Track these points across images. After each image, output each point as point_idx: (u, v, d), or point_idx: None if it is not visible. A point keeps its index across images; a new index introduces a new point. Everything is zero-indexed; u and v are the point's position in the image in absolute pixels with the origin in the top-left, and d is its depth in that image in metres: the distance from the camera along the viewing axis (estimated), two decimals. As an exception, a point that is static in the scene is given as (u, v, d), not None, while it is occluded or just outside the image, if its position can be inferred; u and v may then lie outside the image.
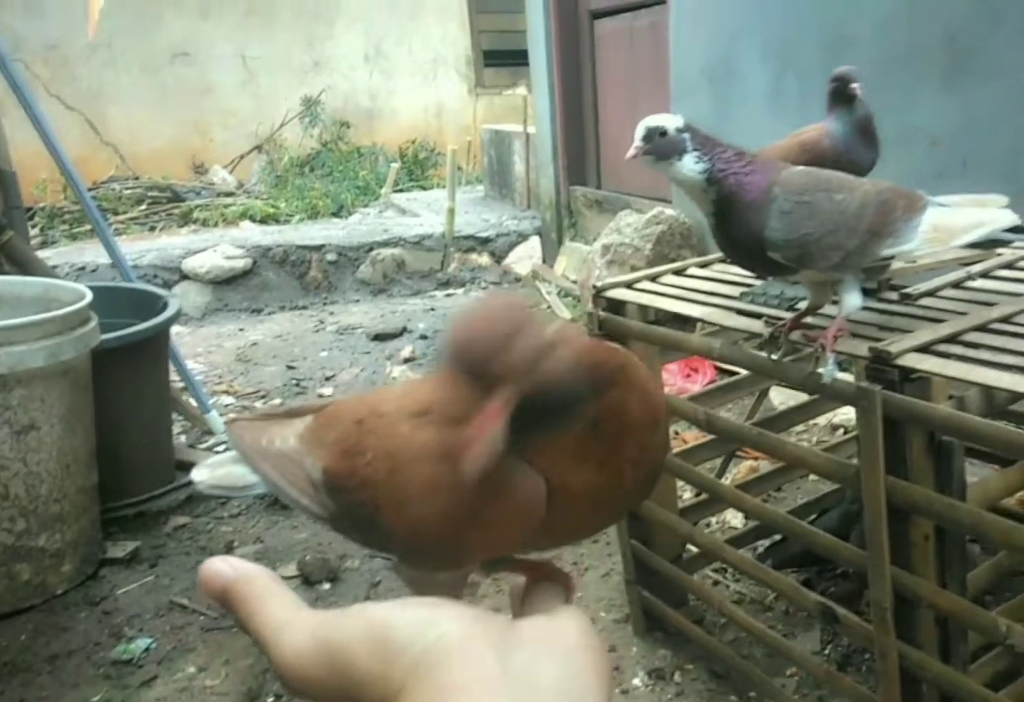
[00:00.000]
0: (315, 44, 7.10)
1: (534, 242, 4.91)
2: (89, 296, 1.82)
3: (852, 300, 1.12)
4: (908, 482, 1.10)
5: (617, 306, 1.56)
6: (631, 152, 1.01)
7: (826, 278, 1.15)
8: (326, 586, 1.93)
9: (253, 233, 4.89)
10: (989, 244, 1.25)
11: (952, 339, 1.14)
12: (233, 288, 4.29)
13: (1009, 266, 1.43)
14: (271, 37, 6.86)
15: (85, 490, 1.88)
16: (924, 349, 1.11)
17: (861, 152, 1.54)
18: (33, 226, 5.16)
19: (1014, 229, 1.24)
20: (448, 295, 4.44)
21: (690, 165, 0.99)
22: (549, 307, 4.06)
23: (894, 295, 1.36)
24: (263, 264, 4.34)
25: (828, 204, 1.05)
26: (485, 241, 4.74)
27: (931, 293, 1.35)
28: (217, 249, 4.35)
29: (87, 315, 1.81)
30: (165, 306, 2.19)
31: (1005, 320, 1.18)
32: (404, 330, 3.78)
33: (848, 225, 1.06)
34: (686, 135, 0.99)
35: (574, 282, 4.20)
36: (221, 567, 0.40)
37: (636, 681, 1.59)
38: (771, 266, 1.09)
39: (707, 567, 1.83)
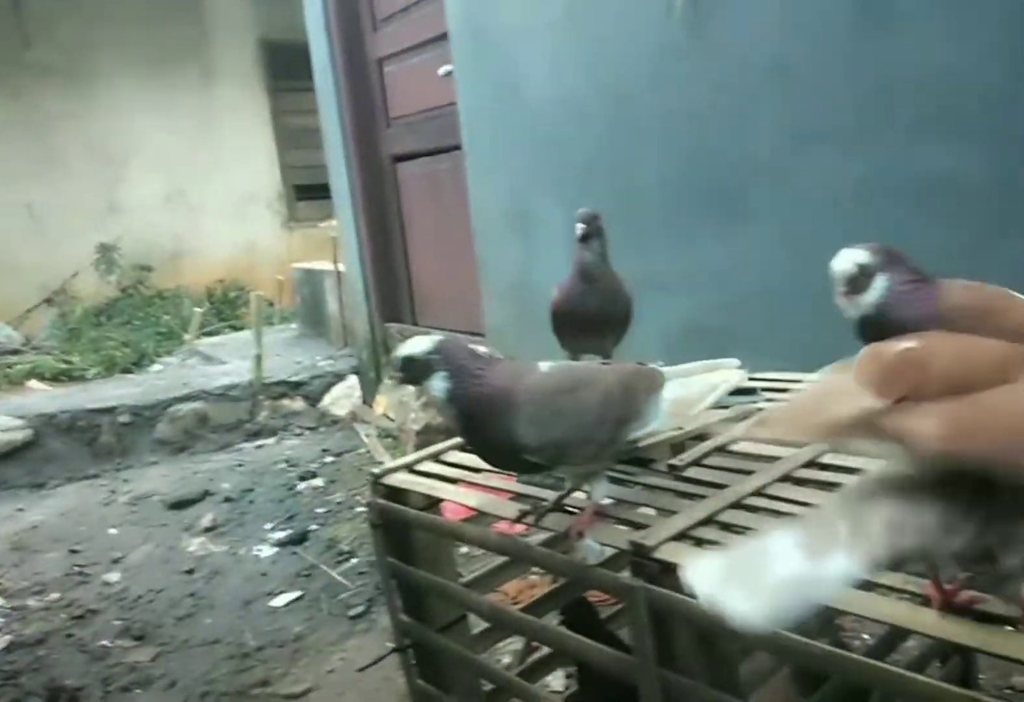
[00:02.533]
0: (109, 188, 6.91)
1: (352, 382, 4.80)
2: None
3: (600, 490, 1.16)
4: (680, 676, 1.06)
5: (399, 492, 1.50)
6: (391, 380, 1.10)
7: (583, 470, 1.17)
8: None
9: (35, 399, 4.50)
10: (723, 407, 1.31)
11: (708, 521, 1.14)
12: (11, 463, 3.88)
13: (769, 423, 1.47)
14: (60, 183, 6.62)
15: None
16: (681, 536, 1.10)
17: (583, 300, 1.57)
18: None
19: (746, 390, 1.31)
20: (258, 446, 4.22)
21: (438, 385, 1.05)
22: (367, 450, 3.93)
23: (663, 466, 1.36)
24: (47, 433, 3.97)
25: (573, 404, 1.08)
26: (298, 385, 4.60)
27: (697, 462, 1.35)
28: (-7, 420, 3.96)
29: None
30: None
31: (758, 493, 1.19)
32: (206, 494, 3.52)
33: (595, 420, 1.09)
34: (436, 357, 1.05)
35: (392, 421, 4.11)
36: None
37: None
38: (528, 466, 1.12)
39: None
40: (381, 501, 1.48)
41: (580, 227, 1.61)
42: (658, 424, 1.17)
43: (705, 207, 2.55)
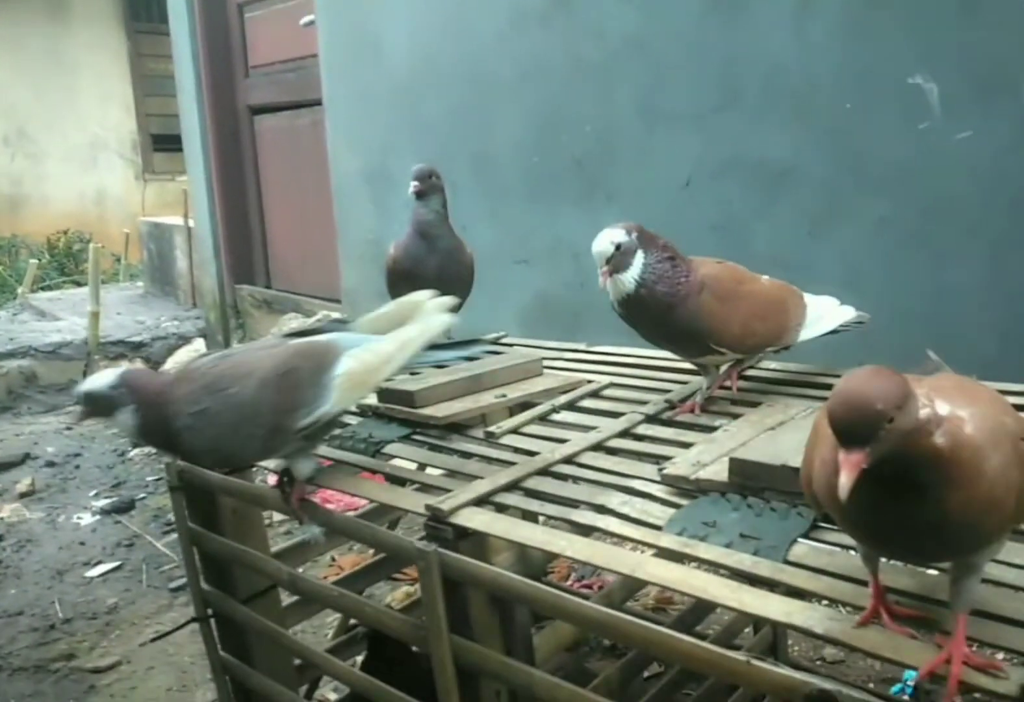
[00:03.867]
0: (-61, 125, 6.31)
1: (198, 345, 4.58)
2: None
3: (302, 469, 1.14)
4: (472, 642, 1.04)
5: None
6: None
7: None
8: None
9: None
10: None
11: (512, 487, 1.11)
12: None
13: (594, 394, 1.46)
14: None
15: None
16: (481, 501, 1.07)
17: (421, 258, 1.53)
18: None
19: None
20: (90, 410, 3.95)
21: (124, 420, 1.03)
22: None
23: (480, 433, 1.33)
24: None
25: (223, 403, 1.03)
26: (138, 346, 4.34)
27: (515, 430, 1.33)
28: None
29: None
30: None
31: (568, 460, 1.18)
32: (26, 457, 3.28)
33: (250, 416, 1.04)
34: (121, 390, 1.02)
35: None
36: None
37: None
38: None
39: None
40: (181, 463, 1.38)
41: (413, 184, 1.55)
42: (329, 405, 1.06)
43: (565, 181, 2.53)
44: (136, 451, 3.37)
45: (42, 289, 5.48)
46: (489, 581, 0.99)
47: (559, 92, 2.48)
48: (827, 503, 0.70)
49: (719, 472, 1.03)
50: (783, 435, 1.10)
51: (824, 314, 1.30)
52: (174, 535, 2.63)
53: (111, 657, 2.02)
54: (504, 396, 1.42)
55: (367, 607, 1.17)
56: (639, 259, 1.15)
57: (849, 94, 1.89)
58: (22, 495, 2.96)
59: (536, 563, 1.15)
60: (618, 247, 1.14)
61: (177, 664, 1.98)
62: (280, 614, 1.51)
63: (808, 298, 1.30)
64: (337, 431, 1.36)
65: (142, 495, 2.94)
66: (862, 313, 1.34)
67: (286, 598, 1.52)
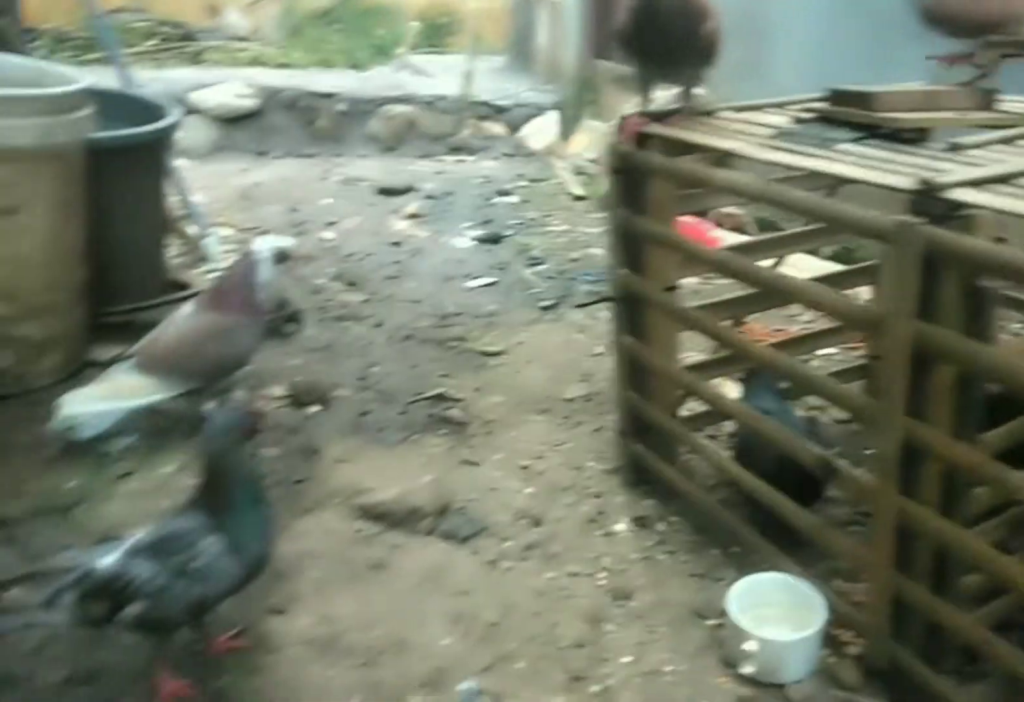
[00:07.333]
0: None
1: (552, 116, 4.71)
2: (86, 81, 1.70)
3: None
4: (937, 327, 1.04)
5: (642, 140, 1.48)
6: None
7: None
8: (314, 409, 1.92)
9: (263, 75, 4.68)
10: None
11: (1004, 179, 1.07)
12: (239, 127, 4.15)
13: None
14: None
15: (73, 285, 1.82)
16: (975, 185, 1.04)
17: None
18: (36, 48, 4.88)
19: None
20: (459, 161, 4.28)
21: None
22: (561, 182, 3.92)
23: (942, 144, 1.28)
24: (271, 106, 4.18)
25: None
26: (501, 110, 4.55)
27: (980, 145, 1.26)
28: (226, 86, 4.18)
29: (82, 101, 1.70)
30: (165, 115, 2.07)
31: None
32: (411, 188, 3.66)
33: None
34: None
35: (590, 161, 4.04)
36: None
37: (619, 526, 1.58)
38: None
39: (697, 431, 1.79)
40: (625, 146, 1.47)
41: None
42: None
43: None
44: (499, 200, 3.64)
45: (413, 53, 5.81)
46: (983, 256, 0.96)
47: None
48: None
49: None
50: None
51: None
52: (538, 268, 2.87)
53: (496, 346, 2.29)
54: (965, 114, 1.34)
55: (809, 287, 1.22)
56: None
57: None
58: (411, 216, 3.35)
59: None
60: None
61: (552, 364, 2.19)
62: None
63: None
64: (782, 129, 1.38)
65: (508, 233, 3.20)
66: None
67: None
